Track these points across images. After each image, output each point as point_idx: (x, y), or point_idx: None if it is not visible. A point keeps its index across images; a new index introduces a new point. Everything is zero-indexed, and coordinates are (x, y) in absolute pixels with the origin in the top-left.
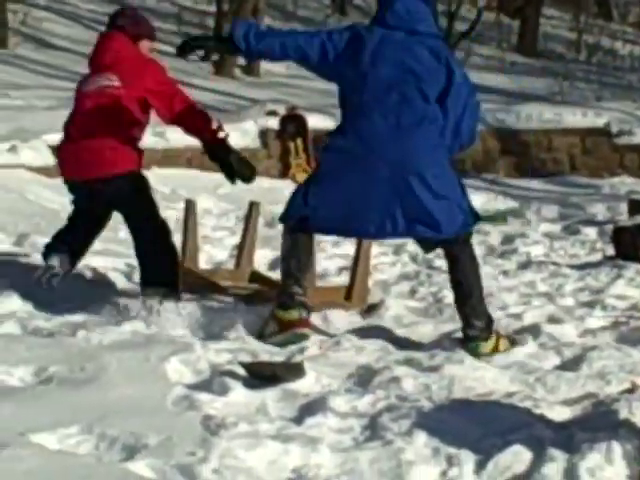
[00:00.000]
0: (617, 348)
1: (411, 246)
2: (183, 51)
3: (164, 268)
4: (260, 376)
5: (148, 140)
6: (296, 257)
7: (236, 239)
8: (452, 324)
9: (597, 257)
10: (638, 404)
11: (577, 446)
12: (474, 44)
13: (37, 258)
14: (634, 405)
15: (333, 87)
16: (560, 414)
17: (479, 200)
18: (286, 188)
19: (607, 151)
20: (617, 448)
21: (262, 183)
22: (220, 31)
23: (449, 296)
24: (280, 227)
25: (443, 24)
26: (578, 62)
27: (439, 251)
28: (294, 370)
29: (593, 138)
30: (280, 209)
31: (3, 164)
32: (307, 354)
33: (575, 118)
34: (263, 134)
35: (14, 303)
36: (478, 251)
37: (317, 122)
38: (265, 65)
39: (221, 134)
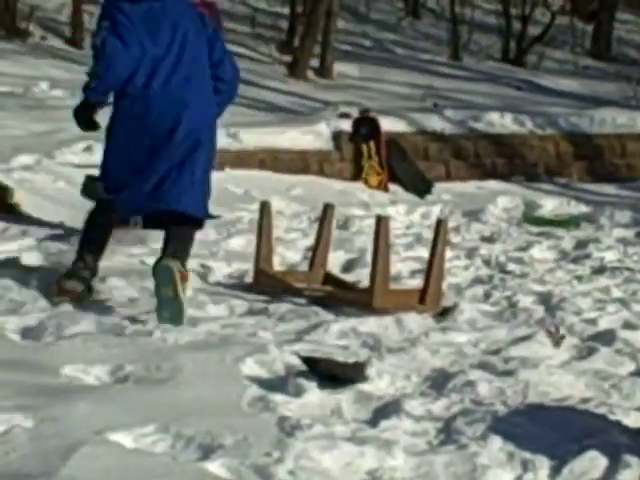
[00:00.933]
0: None
1: (483, 250)
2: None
3: None
4: (318, 372)
5: (221, 141)
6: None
7: (309, 241)
8: (526, 328)
9: None
10: None
11: None
12: (547, 48)
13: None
14: None
15: (405, 90)
16: (636, 421)
17: (552, 204)
18: (359, 190)
19: None
20: None
21: (334, 185)
22: (293, 33)
23: (523, 300)
24: (354, 229)
25: (517, 27)
26: None
27: (512, 255)
28: (354, 370)
29: None
30: (352, 211)
31: (80, 163)
32: (382, 357)
33: None
34: (336, 136)
35: (90, 301)
36: (550, 255)
37: (390, 124)
38: (338, 67)
39: None
